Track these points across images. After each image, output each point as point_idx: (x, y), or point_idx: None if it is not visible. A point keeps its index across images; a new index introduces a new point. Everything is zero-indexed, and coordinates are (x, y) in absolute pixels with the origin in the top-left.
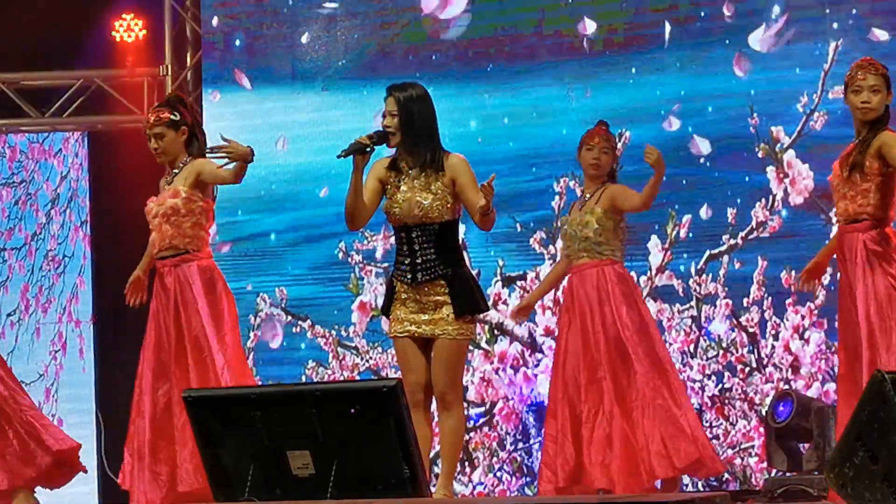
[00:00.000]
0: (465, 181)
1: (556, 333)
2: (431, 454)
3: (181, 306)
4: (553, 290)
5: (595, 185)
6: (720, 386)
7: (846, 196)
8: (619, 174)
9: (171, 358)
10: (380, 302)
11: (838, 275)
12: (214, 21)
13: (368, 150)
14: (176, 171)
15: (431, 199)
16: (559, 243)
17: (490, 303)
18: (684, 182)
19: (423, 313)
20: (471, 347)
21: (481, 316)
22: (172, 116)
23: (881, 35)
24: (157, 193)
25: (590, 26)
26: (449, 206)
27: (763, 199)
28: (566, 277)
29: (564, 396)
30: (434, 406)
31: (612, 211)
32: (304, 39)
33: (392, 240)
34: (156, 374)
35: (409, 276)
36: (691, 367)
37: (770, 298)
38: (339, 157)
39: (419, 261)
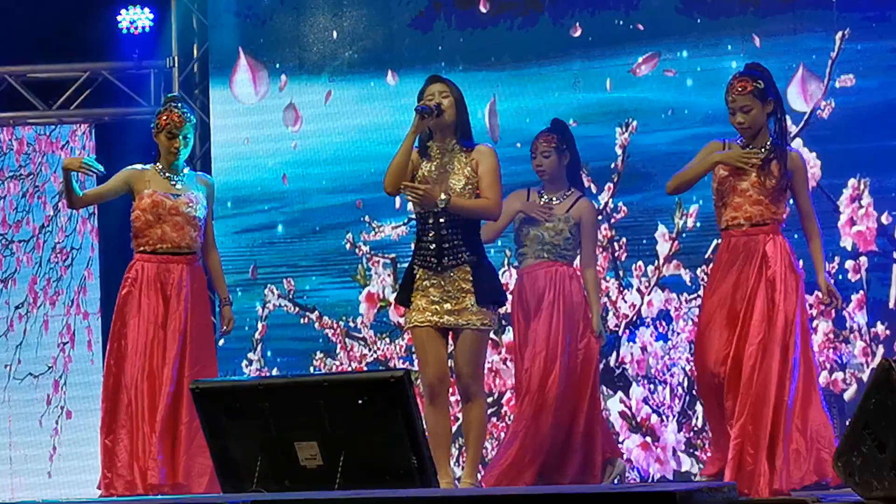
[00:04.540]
0: (483, 171)
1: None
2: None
3: (193, 300)
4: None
5: (554, 189)
6: None
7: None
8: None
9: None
10: (387, 293)
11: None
12: (221, 13)
13: (427, 116)
14: (180, 175)
15: (464, 182)
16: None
17: None
18: None
19: (447, 302)
20: None
21: None
22: (193, 119)
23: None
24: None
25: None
26: (478, 192)
27: None
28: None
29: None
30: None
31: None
32: (310, 30)
33: (400, 230)
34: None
35: (433, 262)
36: None
37: None
38: (416, 109)
39: (445, 246)
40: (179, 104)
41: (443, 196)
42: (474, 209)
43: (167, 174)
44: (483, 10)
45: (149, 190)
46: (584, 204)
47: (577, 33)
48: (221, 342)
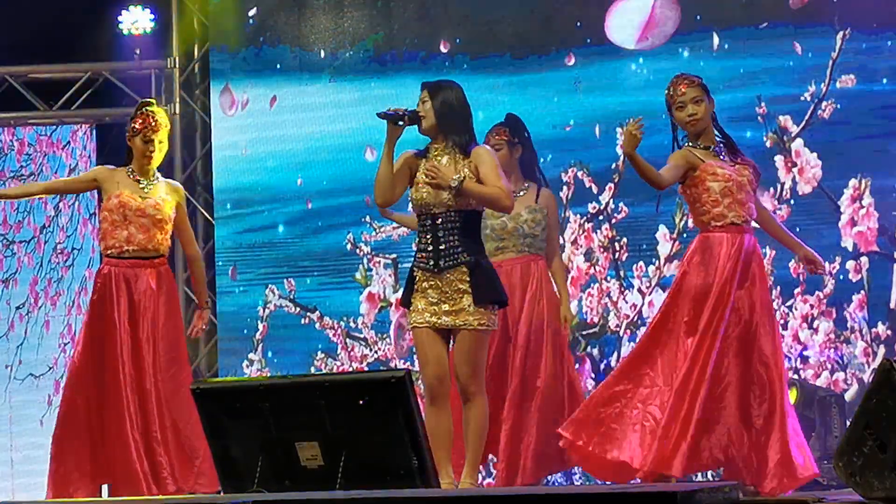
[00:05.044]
0: (485, 170)
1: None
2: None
3: (163, 303)
4: None
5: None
6: None
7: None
8: (626, 165)
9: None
10: (388, 293)
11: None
12: (221, 13)
13: (400, 123)
14: (152, 179)
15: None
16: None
17: None
18: None
19: (445, 303)
20: None
21: None
22: (167, 125)
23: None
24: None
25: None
26: None
27: (771, 189)
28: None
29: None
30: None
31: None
32: (310, 30)
33: (400, 231)
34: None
35: (431, 264)
36: None
37: (779, 288)
38: (378, 115)
39: (442, 248)
40: (154, 108)
41: (456, 177)
42: (488, 196)
43: (137, 177)
44: (444, 49)
45: (117, 191)
46: (547, 193)
47: (571, 62)
48: (217, 347)
